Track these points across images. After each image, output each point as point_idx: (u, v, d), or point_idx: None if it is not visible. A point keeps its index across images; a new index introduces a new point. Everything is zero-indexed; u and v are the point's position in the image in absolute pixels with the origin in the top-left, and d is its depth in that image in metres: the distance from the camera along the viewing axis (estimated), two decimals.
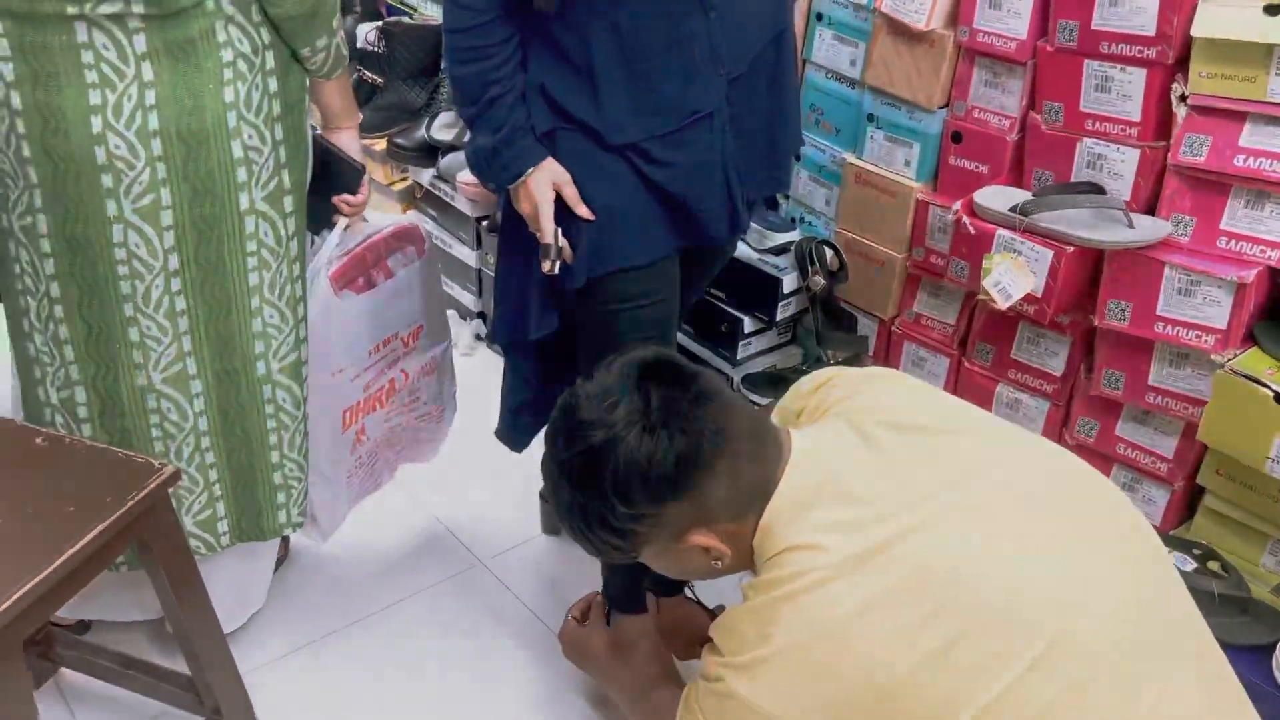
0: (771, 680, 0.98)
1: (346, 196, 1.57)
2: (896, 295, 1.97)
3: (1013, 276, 1.64)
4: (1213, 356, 1.54)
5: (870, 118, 1.91)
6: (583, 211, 1.42)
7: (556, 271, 1.43)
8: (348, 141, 1.57)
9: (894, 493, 1.01)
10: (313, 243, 1.59)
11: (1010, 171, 1.77)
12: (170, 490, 1.28)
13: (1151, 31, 1.52)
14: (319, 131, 1.56)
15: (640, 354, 1.09)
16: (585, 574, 1.87)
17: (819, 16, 1.94)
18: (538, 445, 1.80)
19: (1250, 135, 1.49)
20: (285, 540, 1.91)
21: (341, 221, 1.59)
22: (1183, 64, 1.53)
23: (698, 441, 1.03)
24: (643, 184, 1.42)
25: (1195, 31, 1.47)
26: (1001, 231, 1.66)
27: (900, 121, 1.86)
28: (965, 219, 1.71)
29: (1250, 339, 1.55)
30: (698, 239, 1.49)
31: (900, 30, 1.79)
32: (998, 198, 1.70)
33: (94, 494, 1.21)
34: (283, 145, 1.43)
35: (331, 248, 1.58)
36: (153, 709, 1.61)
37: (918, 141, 1.85)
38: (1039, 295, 1.64)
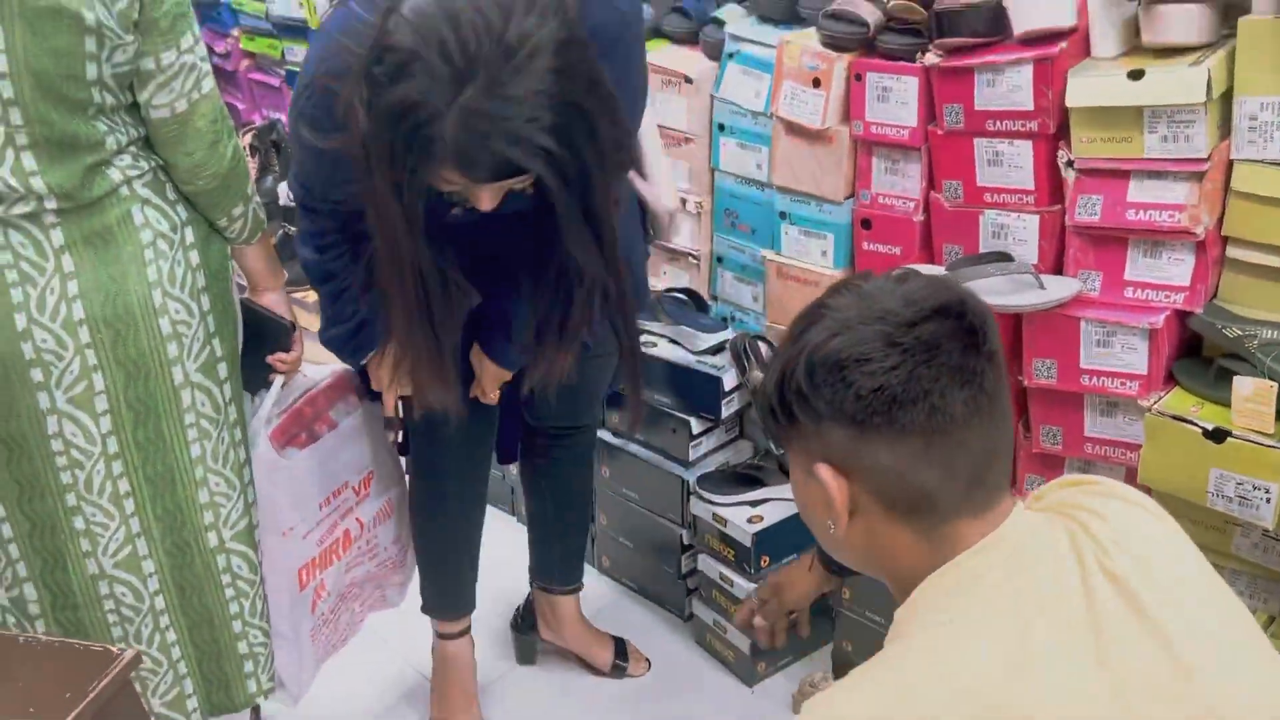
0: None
1: (280, 354, 1.59)
2: None
3: None
4: (1139, 401, 1.60)
5: (783, 215, 1.98)
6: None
7: (399, 440, 1.67)
8: (274, 301, 1.59)
9: (1070, 660, 0.80)
10: (252, 404, 1.60)
11: (921, 250, 1.84)
12: (133, 675, 1.25)
13: (1030, 106, 1.62)
14: (245, 295, 1.59)
15: (952, 290, 0.87)
16: (569, 701, 1.84)
17: (721, 127, 2.03)
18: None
19: (1136, 190, 1.58)
20: (255, 709, 1.86)
21: (278, 379, 1.61)
22: (1064, 131, 1.63)
23: (920, 403, 0.82)
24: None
25: (1069, 102, 1.57)
26: None
27: (811, 216, 1.94)
28: None
29: (1171, 379, 1.61)
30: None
31: (798, 131, 1.88)
32: None
33: (52, 692, 1.17)
34: (211, 315, 1.45)
35: (269, 407, 1.58)
36: None
37: (830, 232, 1.93)
38: None
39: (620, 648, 2.00)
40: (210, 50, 2.71)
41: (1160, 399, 1.57)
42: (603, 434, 2.21)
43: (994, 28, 1.63)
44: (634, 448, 2.16)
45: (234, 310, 1.51)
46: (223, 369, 1.48)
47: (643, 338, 2.14)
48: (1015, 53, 1.61)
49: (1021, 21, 1.60)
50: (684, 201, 2.15)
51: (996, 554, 0.85)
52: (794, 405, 0.88)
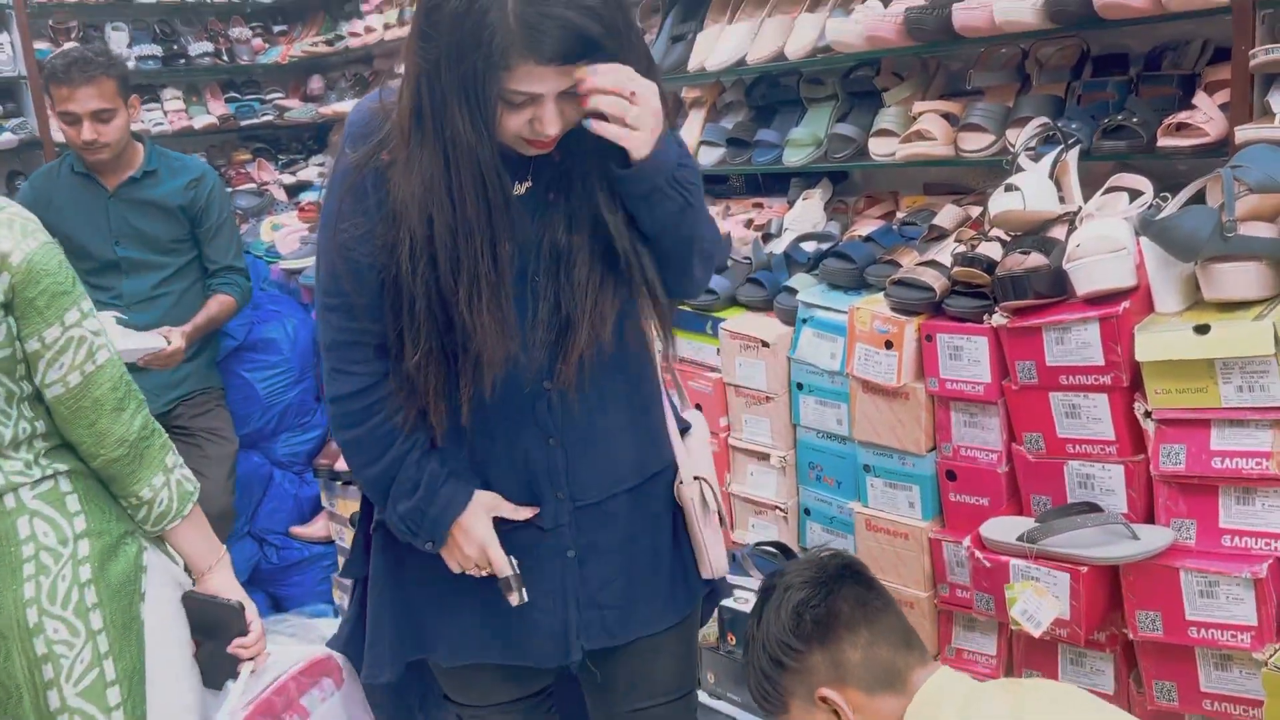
0: None
1: (240, 641, 1.50)
2: (933, 633, 1.99)
3: (1037, 603, 1.68)
4: (1254, 655, 1.54)
5: (867, 468, 2.02)
6: (522, 515, 1.41)
7: (526, 599, 1.39)
8: (220, 584, 1.51)
9: None
10: (216, 698, 1.52)
11: (1009, 500, 1.85)
12: None
13: (1101, 362, 1.66)
14: (191, 587, 1.53)
15: (839, 555, 1.40)
16: None
17: (799, 385, 2.11)
18: None
19: (1219, 439, 1.59)
20: None
21: (246, 668, 1.51)
22: (1138, 383, 1.66)
23: (850, 606, 1.30)
24: (468, 581, 1.43)
25: (1139, 357, 1.61)
26: (1015, 561, 1.71)
27: (895, 468, 1.97)
28: (978, 554, 1.77)
29: None
30: (520, 658, 1.48)
31: (875, 389, 1.95)
32: (1003, 529, 1.77)
33: None
34: (102, 634, 1.37)
35: (236, 698, 1.48)
36: None
37: (916, 484, 1.95)
38: (1067, 618, 1.67)
39: None
40: None
41: (1276, 652, 1.51)
42: (698, 694, 2.18)
43: (1056, 289, 1.71)
44: (731, 710, 2.13)
45: (138, 625, 1.41)
46: (114, 694, 1.37)
47: (735, 594, 2.15)
48: (1080, 312, 1.67)
49: (1083, 283, 1.67)
50: (768, 456, 2.21)
51: (943, 673, 1.30)
52: (781, 657, 1.32)
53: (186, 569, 1.55)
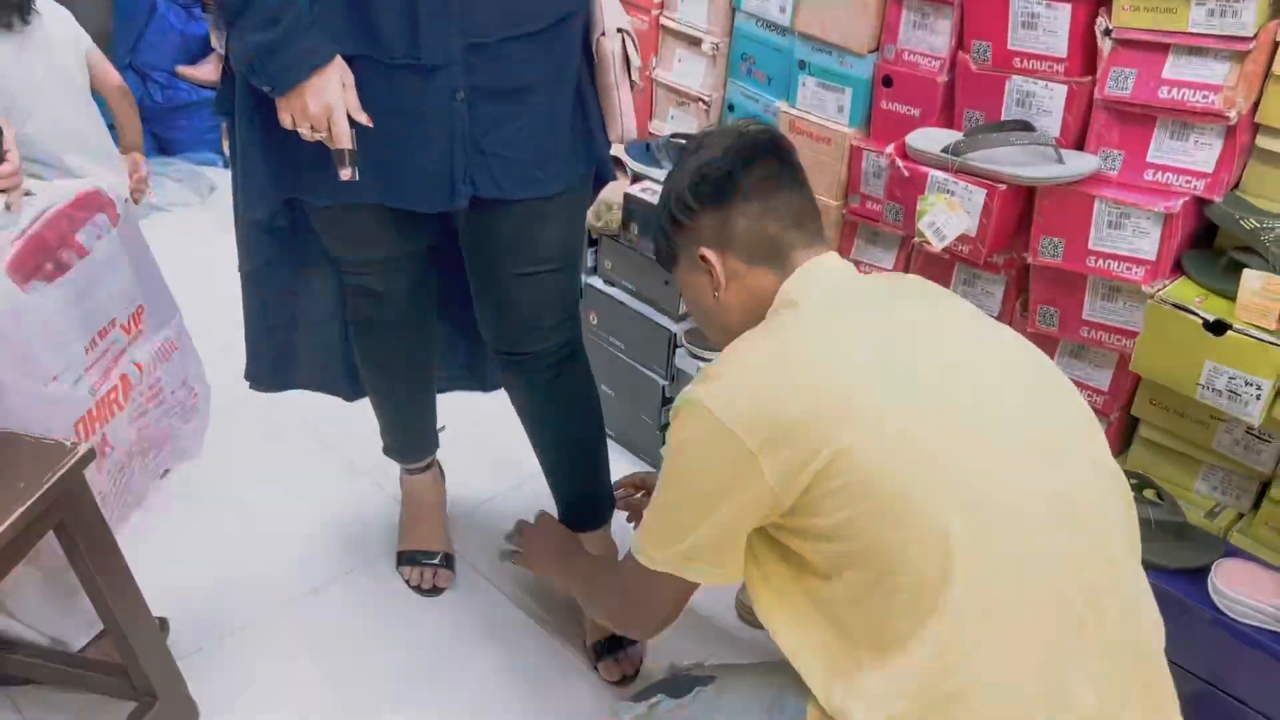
0: (720, 385, 1.12)
1: None
2: (834, 242, 1.97)
3: (947, 217, 1.64)
4: (1143, 287, 1.55)
5: (802, 64, 1.89)
6: (363, 118, 1.29)
7: (358, 177, 1.31)
8: None
9: (890, 312, 1.19)
10: None
11: (941, 113, 1.76)
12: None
13: None
14: None
15: (768, 130, 1.28)
16: None
17: None
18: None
19: (1173, 66, 1.50)
20: None
21: None
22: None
23: (753, 178, 1.22)
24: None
25: None
26: (934, 172, 1.65)
27: (832, 68, 1.85)
28: (898, 161, 1.70)
29: (1178, 268, 1.56)
30: (400, 200, 1.39)
31: None
32: (930, 140, 1.69)
33: (8, 480, 1.16)
34: None
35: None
36: (83, 700, 1.54)
37: (849, 87, 1.84)
38: (973, 235, 1.64)
39: (615, 643, 1.71)
40: None
41: (1164, 287, 1.52)
42: (594, 280, 2.17)
43: None
44: (623, 296, 2.12)
45: None
46: None
47: (643, 183, 2.08)
48: None
49: None
50: (700, 41, 2.05)
51: (828, 256, 1.24)
52: (675, 212, 1.26)
53: None
